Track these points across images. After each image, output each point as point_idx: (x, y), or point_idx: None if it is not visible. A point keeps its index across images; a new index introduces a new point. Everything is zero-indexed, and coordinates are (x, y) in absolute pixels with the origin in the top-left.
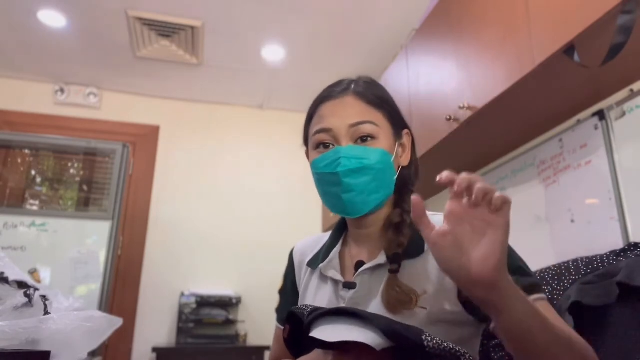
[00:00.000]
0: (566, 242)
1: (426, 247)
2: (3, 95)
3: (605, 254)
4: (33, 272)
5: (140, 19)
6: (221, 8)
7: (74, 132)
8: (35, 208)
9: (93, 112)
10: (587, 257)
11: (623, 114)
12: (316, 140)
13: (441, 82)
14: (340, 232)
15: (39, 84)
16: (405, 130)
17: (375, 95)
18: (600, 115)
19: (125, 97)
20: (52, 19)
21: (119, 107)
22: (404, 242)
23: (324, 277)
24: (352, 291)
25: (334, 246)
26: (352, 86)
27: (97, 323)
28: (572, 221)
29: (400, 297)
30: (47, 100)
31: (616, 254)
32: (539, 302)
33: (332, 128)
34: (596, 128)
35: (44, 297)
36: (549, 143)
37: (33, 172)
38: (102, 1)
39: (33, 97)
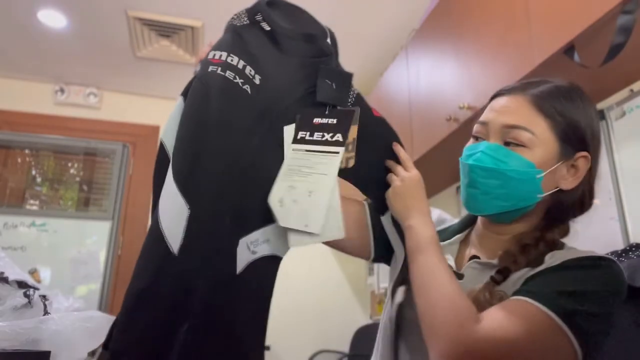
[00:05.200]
0: (566, 242)
1: (546, 262)
2: (3, 95)
3: (606, 254)
4: (33, 272)
5: (140, 19)
6: (221, 8)
7: (74, 132)
8: (35, 208)
9: (93, 112)
10: None
11: (623, 114)
12: (473, 130)
13: (441, 82)
14: (468, 223)
15: (39, 84)
16: (582, 154)
17: (551, 104)
18: (600, 115)
19: (125, 97)
20: (52, 19)
21: (119, 107)
22: (522, 264)
23: None
24: (458, 282)
25: (460, 232)
26: (534, 88)
27: (97, 323)
28: (572, 221)
29: (486, 304)
30: (47, 100)
31: (617, 254)
32: (514, 300)
33: (487, 122)
34: None
35: (43, 297)
36: None
37: (33, 172)
38: (102, 1)
39: (33, 97)
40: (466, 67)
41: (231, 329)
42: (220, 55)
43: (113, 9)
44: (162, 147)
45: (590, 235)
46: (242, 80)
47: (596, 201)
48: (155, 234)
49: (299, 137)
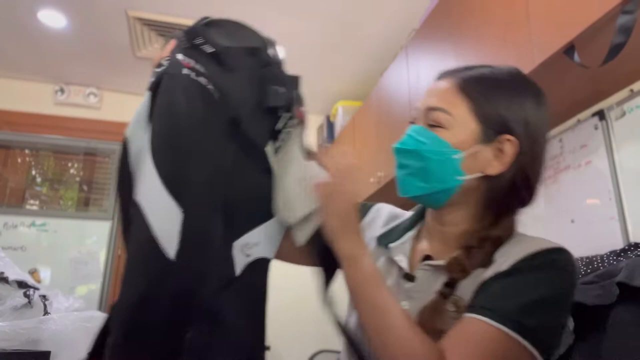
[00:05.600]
0: (566, 242)
1: (497, 261)
2: (3, 95)
3: (605, 254)
4: (33, 272)
5: (140, 19)
6: (221, 8)
7: (74, 132)
8: (35, 208)
9: (93, 112)
10: (587, 257)
11: (623, 114)
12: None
13: None
14: (418, 217)
15: (39, 84)
16: (507, 137)
17: (477, 87)
18: (600, 115)
19: (125, 97)
20: (52, 19)
21: (119, 107)
22: (469, 272)
23: (391, 260)
24: (410, 284)
25: (410, 229)
26: (467, 71)
27: (97, 323)
28: (572, 221)
29: (438, 321)
30: (47, 100)
31: (616, 254)
32: (474, 320)
33: (418, 107)
34: (596, 128)
35: (43, 297)
36: (549, 143)
37: (33, 172)
38: (102, 1)
39: (33, 97)
40: None
41: (236, 333)
42: (189, 61)
43: (113, 9)
44: (125, 143)
45: (591, 235)
46: (212, 87)
47: (596, 201)
48: (146, 238)
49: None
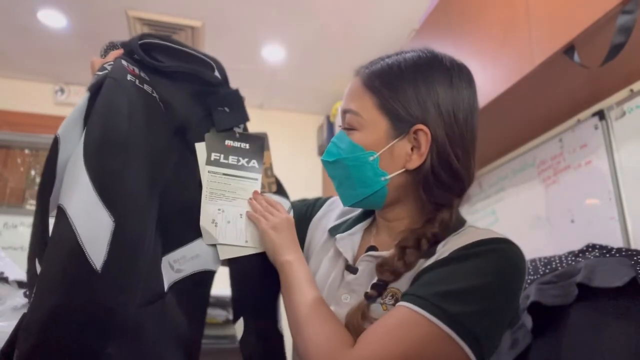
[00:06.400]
0: (566, 242)
1: (438, 252)
2: (3, 95)
3: (564, 254)
4: None
5: (140, 19)
6: (221, 8)
7: None
8: (35, 208)
9: None
10: (545, 257)
11: (623, 114)
12: None
13: None
14: (370, 211)
15: (39, 84)
16: (419, 127)
17: (381, 79)
18: (600, 115)
19: None
20: (52, 19)
21: None
22: (401, 273)
23: (338, 252)
24: (352, 276)
25: (361, 221)
26: (375, 64)
27: None
28: (572, 221)
29: (363, 327)
30: (47, 100)
31: (574, 254)
32: (397, 307)
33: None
34: (596, 128)
35: None
36: (549, 143)
37: (33, 172)
38: (102, 1)
39: (33, 97)
40: None
41: (158, 351)
42: (134, 68)
43: (113, 9)
44: (56, 143)
45: (591, 235)
46: (157, 96)
47: (596, 201)
48: (70, 246)
49: (212, 158)
